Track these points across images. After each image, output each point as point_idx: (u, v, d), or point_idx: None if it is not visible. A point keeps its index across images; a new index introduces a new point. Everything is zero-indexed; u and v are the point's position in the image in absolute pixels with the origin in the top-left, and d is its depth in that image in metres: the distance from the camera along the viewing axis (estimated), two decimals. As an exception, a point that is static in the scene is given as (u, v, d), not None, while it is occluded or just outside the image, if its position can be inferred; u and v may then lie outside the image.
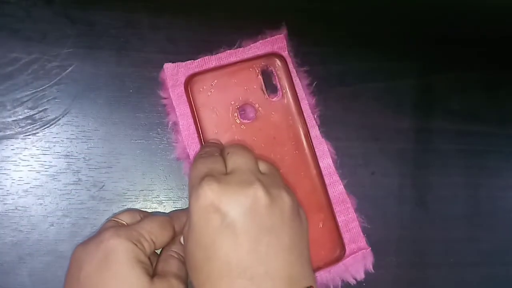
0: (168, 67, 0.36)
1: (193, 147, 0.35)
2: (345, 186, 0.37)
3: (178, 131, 0.36)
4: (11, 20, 0.35)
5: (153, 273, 0.29)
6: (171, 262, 0.30)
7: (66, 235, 0.34)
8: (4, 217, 0.34)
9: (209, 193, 0.27)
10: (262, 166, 0.30)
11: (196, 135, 0.35)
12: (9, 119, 0.35)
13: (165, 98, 0.36)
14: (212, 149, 0.32)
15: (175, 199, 0.36)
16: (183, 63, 0.36)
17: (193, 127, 0.35)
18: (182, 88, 0.36)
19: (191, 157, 0.35)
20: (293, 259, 0.27)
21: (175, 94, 0.36)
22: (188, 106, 0.35)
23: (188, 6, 0.37)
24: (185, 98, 0.36)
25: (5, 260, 0.34)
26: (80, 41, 0.36)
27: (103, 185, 0.35)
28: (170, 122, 0.36)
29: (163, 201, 0.36)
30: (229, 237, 0.26)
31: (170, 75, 0.36)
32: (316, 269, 0.35)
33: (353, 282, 0.35)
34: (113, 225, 0.30)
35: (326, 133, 0.37)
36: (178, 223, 0.32)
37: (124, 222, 0.31)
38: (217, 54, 0.36)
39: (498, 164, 0.40)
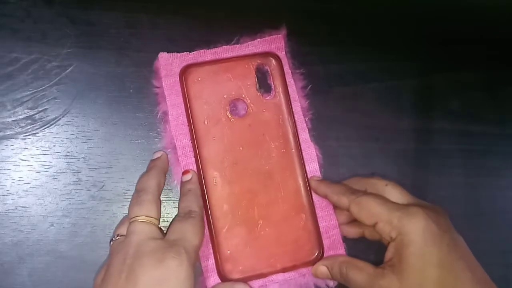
0: (163, 56, 0.36)
1: (181, 138, 0.35)
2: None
3: (167, 121, 0.36)
4: (11, 20, 0.35)
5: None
6: None
7: (66, 235, 0.34)
8: (4, 217, 0.34)
9: None
10: None
11: (184, 126, 0.35)
12: (9, 119, 0.35)
13: (157, 87, 0.36)
14: None
15: (175, 199, 0.36)
16: (179, 54, 0.36)
17: (182, 118, 0.36)
18: (175, 78, 0.36)
19: (178, 147, 0.35)
20: None
21: (168, 84, 0.36)
22: (179, 97, 0.36)
23: (188, 6, 0.37)
24: (177, 88, 0.36)
25: (5, 260, 0.34)
26: (80, 41, 0.36)
27: (103, 185, 0.35)
28: (160, 112, 0.36)
29: (163, 201, 0.36)
30: None
31: (164, 65, 0.36)
32: (291, 268, 0.35)
33: None
34: (153, 231, 0.31)
35: (326, 133, 0.37)
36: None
37: (155, 220, 0.32)
38: (213, 49, 0.36)
39: (498, 164, 0.40)
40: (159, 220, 0.32)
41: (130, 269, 0.28)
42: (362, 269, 0.31)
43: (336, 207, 0.36)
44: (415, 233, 0.29)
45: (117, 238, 0.31)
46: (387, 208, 0.31)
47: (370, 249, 0.36)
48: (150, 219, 0.31)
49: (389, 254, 0.30)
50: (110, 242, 0.32)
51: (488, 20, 0.41)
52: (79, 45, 0.36)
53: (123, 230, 0.32)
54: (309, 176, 0.36)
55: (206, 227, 0.34)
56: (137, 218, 0.31)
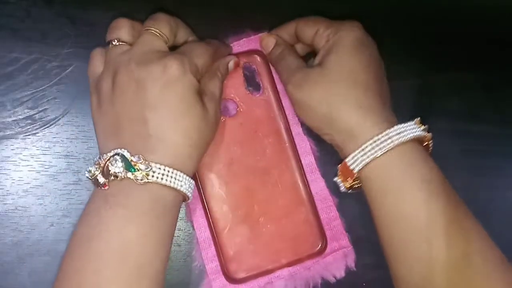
0: None
1: None
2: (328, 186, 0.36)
3: None
4: (11, 20, 0.35)
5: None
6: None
7: (66, 235, 0.34)
8: (4, 217, 0.34)
9: None
10: None
11: None
12: (9, 119, 0.35)
13: None
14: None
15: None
16: None
17: None
18: None
19: None
20: None
21: None
22: None
23: (187, 6, 0.37)
24: None
25: (5, 260, 0.34)
26: (80, 41, 0.36)
27: (103, 185, 0.35)
28: None
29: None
30: None
31: None
32: (296, 262, 0.35)
33: (332, 280, 0.35)
34: (162, 45, 0.30)
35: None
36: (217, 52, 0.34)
37: (166, 38, 0.31)
38: None
39: (498, 164, 0.40)
40: (171, 43, 0.32)
41: (138, 80, 0.28)
42: (297, 57, 0.34)
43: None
44: (352, 31, 0.32)
45: (117, 44, 0.31)
46: (328, 20, 0.34)
47: (370, 249, 0.36)
48: (162, 35, 0.30)
49: (319, 56, 0.33)
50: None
51: (488, 20, 0.41)
52: (79, 45, 0.36)
53: (123, 35, 0.31)
54: (305, 170, 0.36)
55: (208, 229, 0.35)
56: (150, 29, 0.30)
